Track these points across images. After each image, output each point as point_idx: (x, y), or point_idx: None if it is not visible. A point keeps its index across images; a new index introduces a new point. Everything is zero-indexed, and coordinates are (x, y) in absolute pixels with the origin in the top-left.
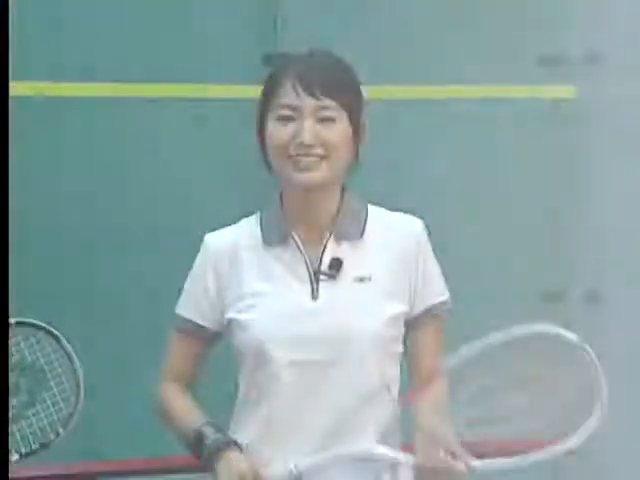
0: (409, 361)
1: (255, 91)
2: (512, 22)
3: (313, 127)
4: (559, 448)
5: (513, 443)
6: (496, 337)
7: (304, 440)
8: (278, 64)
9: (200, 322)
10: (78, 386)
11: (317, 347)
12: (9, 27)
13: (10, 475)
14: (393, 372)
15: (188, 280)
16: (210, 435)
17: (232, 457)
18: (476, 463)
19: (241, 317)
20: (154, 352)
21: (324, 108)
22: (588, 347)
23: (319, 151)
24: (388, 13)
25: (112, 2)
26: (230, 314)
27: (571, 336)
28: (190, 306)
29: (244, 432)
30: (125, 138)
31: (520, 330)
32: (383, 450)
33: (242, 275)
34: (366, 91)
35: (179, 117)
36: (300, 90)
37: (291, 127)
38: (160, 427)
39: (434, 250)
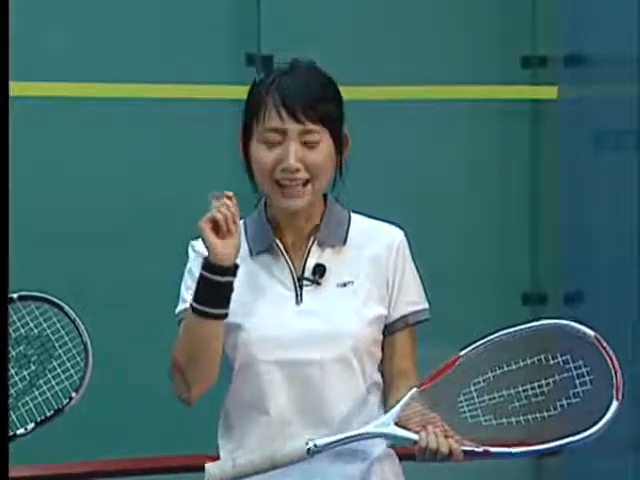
0: (383, 365)
1: (238, 91)
2: (495, 23)
3: (298, 151)
4: (580, 438)
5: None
6: (512, 329)
7: (290, 441)
8: (261, 81)
9: None
10: (86, 350)
11: (302, 348)
12: (9, 27)
13: (10, 474)
14: (375, 375)
15: (183, 281)
16: None
17: None
18: (492, 450)
19: (228, 321)
20: (154, 352)
21: (308, 132)
22: (601, 338)
23: (304, 175)
24: (372, 13)
25: (96, 3)
26: None
27: (584, 329)
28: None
29: (232, 434)
30: (112, 139)
31: (536, 324)
32: (386, 429)
33: None
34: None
35: (171, 118)
36: (285, 115)
37: (276, 151)
38: (160, 427)
39: (415, 258)
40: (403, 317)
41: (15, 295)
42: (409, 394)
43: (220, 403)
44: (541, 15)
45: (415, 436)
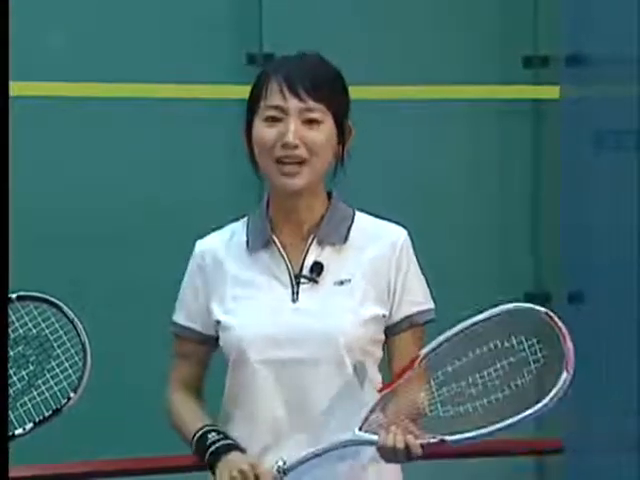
0: (388, 366)
1: (240, 91)
2: (497, 23)
3: (298, 128)
4: (531, 412)
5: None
6: (469, 320)
7: (283, 439)
8: (268, 66)
9: (194, 327)
10: (84, 350)
11: (295, 347)
12: (9, 27)
13: (10, 474)
14: (372, 375)
15: (181, 288)
16: (212, 439)
17: (232, 458)
18: (448, 438)
19: (223, 319)
20: (152, 351)
21: (309, 110)
22: (553, 314)
23: (303, 152)
24: (372, 13)
25: (96, 3)
26: (215, 316)
27: (532, 306)
28: (184, 313)
29: (229, 431)
30: (113, 139)
31: (491, 310)
32: (348, 436)
33: (225, 279)
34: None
35: (171, 117)
36: (286, 92)
37: (277, 128)
38: (159, 427)
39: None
40: (407, 317)
41: (14, 295)
42: (374, 399)
43: (219, 403)
44: (542, 15)
45: (375, 437)
